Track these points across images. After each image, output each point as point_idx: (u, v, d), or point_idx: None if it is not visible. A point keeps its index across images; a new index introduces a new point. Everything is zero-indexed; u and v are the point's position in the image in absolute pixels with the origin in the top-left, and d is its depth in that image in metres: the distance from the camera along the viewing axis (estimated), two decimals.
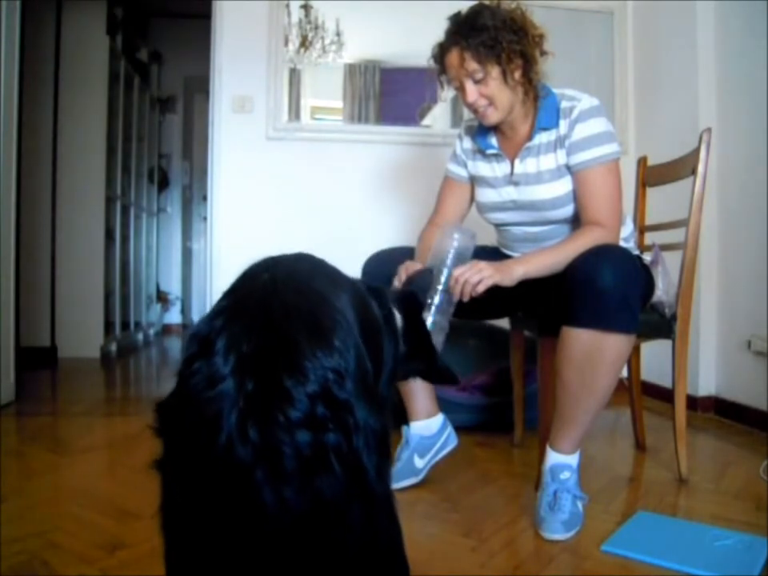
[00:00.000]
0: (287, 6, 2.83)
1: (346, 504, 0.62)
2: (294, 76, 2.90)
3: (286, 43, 2.84)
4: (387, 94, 3.00)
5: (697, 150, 1.80)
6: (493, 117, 1.56)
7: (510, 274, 1.43)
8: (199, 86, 5.03)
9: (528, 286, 1.48)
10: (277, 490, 0.58)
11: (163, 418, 0.65)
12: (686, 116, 2.66)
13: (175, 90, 5.79)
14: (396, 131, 2.92)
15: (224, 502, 0.59)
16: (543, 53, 1.54)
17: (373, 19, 2.95)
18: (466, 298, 1.39)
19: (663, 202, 2.11)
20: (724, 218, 2.55)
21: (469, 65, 1.49)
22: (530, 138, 1.59)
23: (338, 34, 2.90)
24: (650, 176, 2.12)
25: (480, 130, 1.68)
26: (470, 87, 1.52)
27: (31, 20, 3.08)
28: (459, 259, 1.43)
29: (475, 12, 1.51)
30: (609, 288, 1.32)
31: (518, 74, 1.52)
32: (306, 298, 0.73)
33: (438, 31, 1.57)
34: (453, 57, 1.52)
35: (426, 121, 3.02)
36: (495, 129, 1.66)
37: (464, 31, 1.49)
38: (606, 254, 1.38)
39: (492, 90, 1.51)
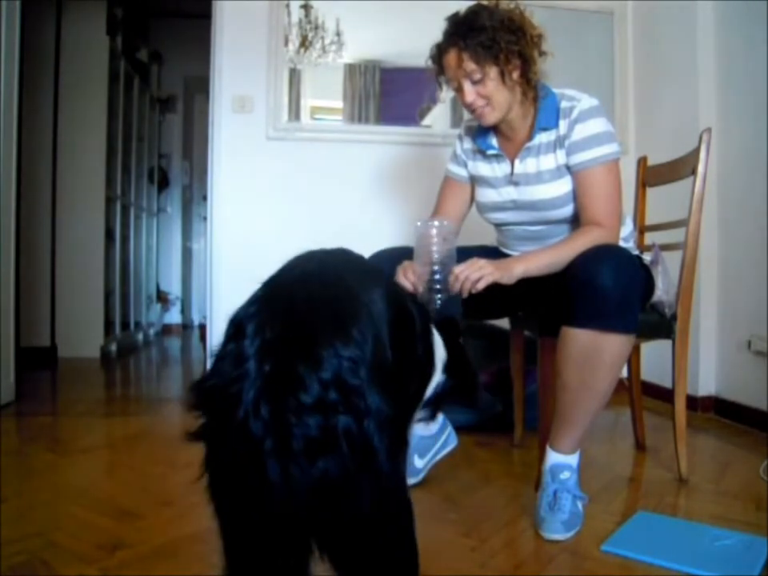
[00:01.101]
0: (287, 5, 2.83)
1: (354, 482, 0.67)
2: (294, 76, 2.90)
3: (286, 43, 2.84)
4: (387, 94, 2.99)
5: (697, 150, 1.80)
6: (491, 117, 1.56)
7: (509, 271, 1.43)
8: (199, 86, 5.04)
9: (528, 285, 1.48)
10: (283, 464, 0.64)
11: (199, 392, 0.71)
12: (686, 116, 2.66)
13: (175, 90, 5.79)
14: (396, 131, 2.92)
15: (242, 468, 0.66)
16: (542, 53, 1.54)
17: (373, 19, 2.95)
18: (465, 295, 1.39)
19: (663, 202, 2.11)
20: (724, 218, 2.55)
21: (467, 65, 1.49)
22: (529, 138, 1.59)
23: (338, 34, 2.90)
24: (650, 176, 2.12)
25: (480, 131, 1.68)
26: (467, 88, 1.52)
27: (31, 20, 3.08)
28: (445, 250, 1.43)
29: (473, 12, 1.51)
30: (608, 288, 1.32)
31: (516, 74, 1.52)
32: (331, 290, 0.80)
33: (438, 31, 1.56)
34: (451, 57, 1.52)
35: (426, 121, 3.02)
36: (495, 129, 1.66)
37: (462, 32, 1.49)
38: (606, 254, 1.38)
39: (490, 91, 1.51)
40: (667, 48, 2.85)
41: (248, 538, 0.70)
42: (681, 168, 1.92)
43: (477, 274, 1.38)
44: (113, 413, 2.71)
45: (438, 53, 1.56)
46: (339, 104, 3.00)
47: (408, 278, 1.44)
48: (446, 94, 2.87)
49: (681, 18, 2.73)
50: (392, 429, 0.71)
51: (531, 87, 1.55)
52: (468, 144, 1.75)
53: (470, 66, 1.49)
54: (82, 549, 1.28)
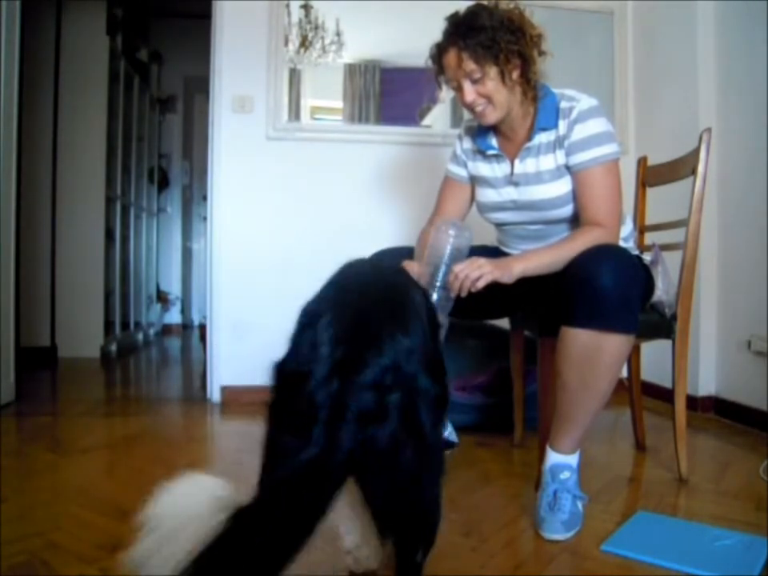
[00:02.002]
0: (287, 5, 2.83)
1: (400, 448, 0.81)
2: (294, 76, 2.90)
3: (286, 43, 2.83)
4: (387, 94, 2.99)
5: (697, 150, 1.80)
6: (491, 117, 1.56)
7: (509, 270, 1.43)
8: (199, 86, 5.03)
9: (528, 285, 1.48)
10: (335, 430, 0.78)
11: (277, 372, 0.87)
12: (686, 116, 2.66)
13: (175, 90, 5.79)
14: (396, 131, 2.92)
15: (301, 433, 0.79)
16: (541, 53, 1.54)
17: (373, 19, 2.95)
18: (464, 294, 1.39)
19: (663, 202, 2.11)
20: (724, 218, 2.55)
21: (466, 65, 1.48)
22: (529, 138, 1.59)
23: (338, 34, 2.90)
24: (650, 176, 2.12)
25: (480, 131, 1.68)
26: (467, 87, 1.52)
27: (31, 20, 3.08)
28: (456, 255, 1.43)
29: (473, 12, 1.51)
30: (608, 288, 1.32)
31: (515, 74, 1.51)
32: (393, 291, 0.97)
33: (438, 31, 1.56)
34: (450, 57, 1.52)
35: (426, 121, 3.02)
36: (495, 129, 1.66)
37: (461, 32, 1.49)
38: (606, 254, 1.38)
39: (490, 90, 1.51)
40: (667, 48, 2.85)
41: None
42: (681, 168, 1.92)
43: (476, 273, 1.38)
44: (113, 413, 2.71)
45: (438, 52, 1.56)
46: (339, 104, 3.00)
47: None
48: (447, 94, 2.88)
49: (681, 18, 2.73)
50: (437, 406, 0.86)
51: (531, 87, 1.55)
52: (468, 144, 1.75)
53: (469, 65, 1.48)
54: (81, 549, 1.28)
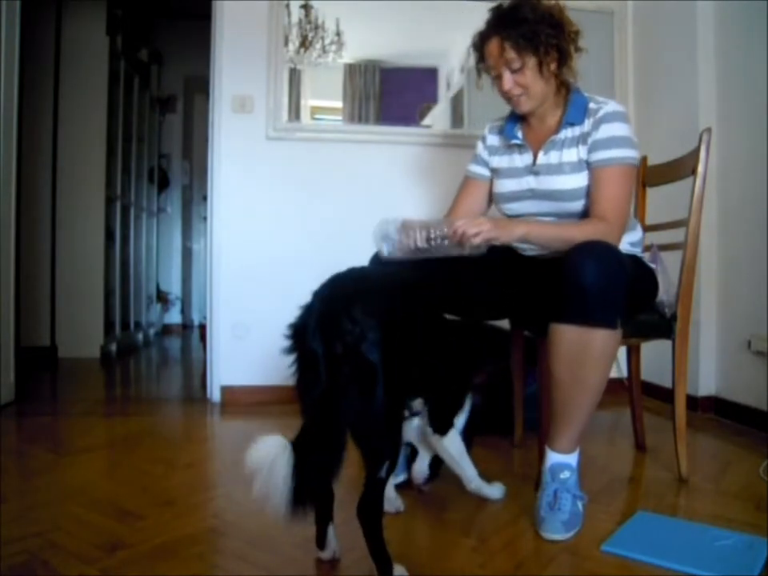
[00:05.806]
0: (287, 6, 2.83)
1: (360, 378, 1.13)
2: (294, 76, 2.90)
3: (286, 43, 2.83)
4: (387, 94, 2.99)
5: (697, 150, 1.80)
6: (526, 105, 1.63)
7: (509, 231, 1.47)
8: (199, 86, 5.05)
9: (522, 283, 1.50)
10: (330, 364, 1.11)
11: (289, 328, 1.20)
12: (686, 116, 2.66)
13: (175, 90, 5.80)
14: (396, 131, 2.92)
15: (307, 369, 1.15)
16: (578, 49, 1.62)
17: (373, 19, 2.95)
18: (462, 239, 1.41)
19: (663, 202, 2.11)
20: (724, 218, 2.55)
21: (508, 54, 1.56)
22: (556, 131, 1.64)
23: (338, 34, 2.90)
24: (650, 176, 2.12)
25: (508, 124, 1.75)
26: (506, 76, 1.59)
27: (31, 20, 3.08)
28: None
29: (516, 5, 1.59)
30: (591, 284, 1.34)
31: (553, 66, 1.59)
32: (362, 283, 1.27)
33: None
34: (493, 46, 1.59)
35: (426, 121, 3.02)
36: (523, 120, 1.72)
37: (505, 23, 1.57)
38: (591, 251, 1.39)
39: (527, 80, 1.58)
40: (667, 48, 2.85)
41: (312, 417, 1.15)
42: (681, 168, 1.92)
43: (474, 230, 1.41)
44: (113, 413, 2.71)
45: (480, 41, 1.64)
46: (339, 104, 3.00)
47: (409, 235, 1.46)
48: (448, 94, 2.88)
49: (681, 18, 2.73)
50: (385, 351, 1.13)
51: (565, 81, 1.63)
52: (492, 140, 1.80)
53: (510, 54, 1.56)
54: (81, 549, 1.28)
